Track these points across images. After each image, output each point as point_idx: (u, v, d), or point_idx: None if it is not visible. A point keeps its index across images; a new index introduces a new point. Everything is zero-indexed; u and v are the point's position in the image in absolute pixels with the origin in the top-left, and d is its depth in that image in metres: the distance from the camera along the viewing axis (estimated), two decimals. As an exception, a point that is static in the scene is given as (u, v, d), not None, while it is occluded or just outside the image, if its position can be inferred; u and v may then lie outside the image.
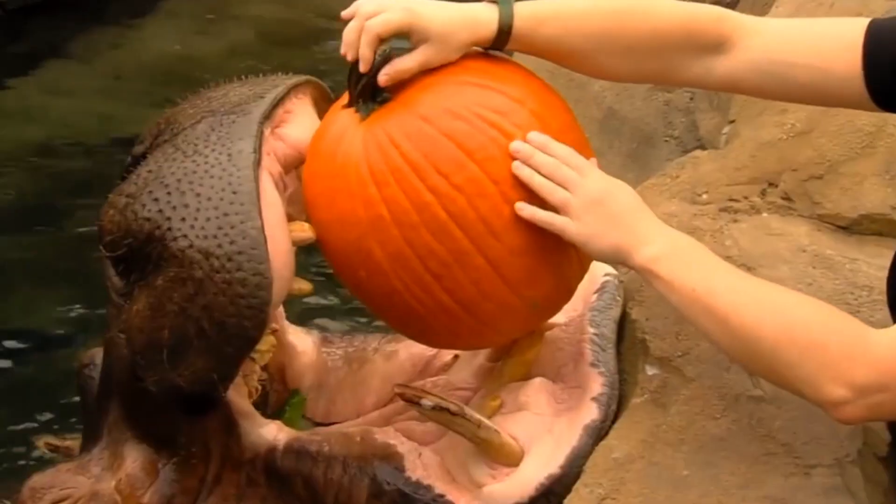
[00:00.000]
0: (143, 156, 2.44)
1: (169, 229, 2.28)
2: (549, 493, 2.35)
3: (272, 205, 2.34)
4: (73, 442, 2.88)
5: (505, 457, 2.41)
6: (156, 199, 2.32)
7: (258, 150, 2.33)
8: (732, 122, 3.02)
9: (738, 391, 2.34)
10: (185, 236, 2.27)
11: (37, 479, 2.53)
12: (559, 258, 2.35)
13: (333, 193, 2.32)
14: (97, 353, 2.70)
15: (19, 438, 3.98)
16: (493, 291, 2.30)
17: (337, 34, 2.36)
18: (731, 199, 2.74)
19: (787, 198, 2.75)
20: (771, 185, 2.76)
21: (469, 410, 2.39)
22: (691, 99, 3.45)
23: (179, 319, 2.28)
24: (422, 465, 2.48)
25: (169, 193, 2.31)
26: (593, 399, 2.43)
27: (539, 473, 2.37)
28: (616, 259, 2.28)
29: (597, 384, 2.44)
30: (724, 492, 2.22)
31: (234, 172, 2.29)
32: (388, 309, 2.38)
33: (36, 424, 4.22)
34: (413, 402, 2.39)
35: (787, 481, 2.22)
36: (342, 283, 2.44)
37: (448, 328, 2.36)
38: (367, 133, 2.30)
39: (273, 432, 2.54)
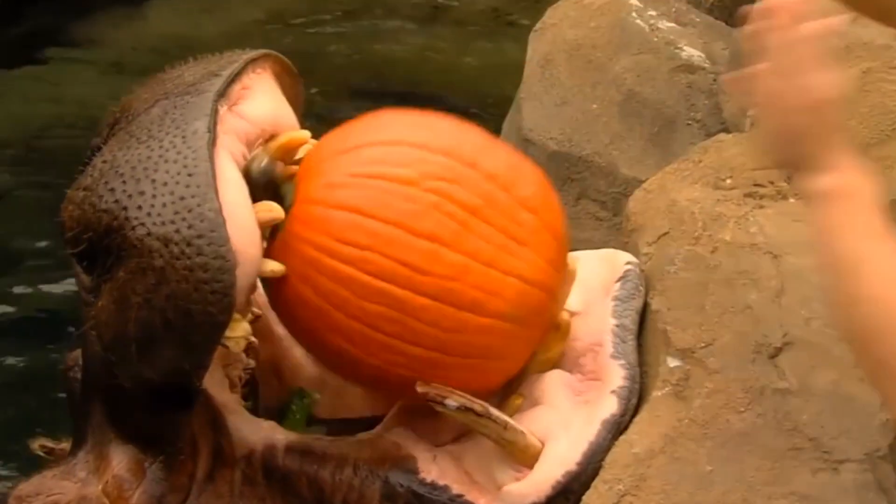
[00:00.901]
0: (100, 147, 2.38)
1: (126, 219, 2.22)
2: (566, 490, 2.30)
3: (232, 184, 2.26)
4: (67, 445, 2.83)
5: (530, 458, 2.36)
6: (111, 190, 2.26)
7: (212, 129, 2.26)
8: (757, 104, 2.93)
9: (764, 383, 2.28)
10: (142, 224, 2.22)
11: (22, 488, 2.46)
12: (507, 259, 2.33)
13: (287, 307, 2.40)
14: (81, 355, 2.65)
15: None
16: (455, 323, 2.30)
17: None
18: (757, 184, 2.67)
19: (814, 182, 2.66)
20: (798, 169, 2.68)
21: (495, 411, 2.34)
22: (715, 81, 3.37)
23: (144, 311, 2.22)
24: (437, 468, 2.42)
25: (124, 182, 2.25)
26: (613, 392, 2.37)
27: (556, 471, 2.31)
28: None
29: (617, 377, 2.38)
30: (749, 488, 2.17)
31: (189, 154, 2.23)
32: (390, 388, 2.42)
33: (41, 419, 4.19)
34: (437, 401, 2.33)
35: (814, 477, 2.17)
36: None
37: (448, 378, 2.34)
38: (281, 242, 2.36)
39: (268, 429, 2.48)
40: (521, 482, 2.35)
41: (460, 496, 2.38)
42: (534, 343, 2.44)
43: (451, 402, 2.33)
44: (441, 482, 2.39)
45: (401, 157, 2.36)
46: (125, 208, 2.23)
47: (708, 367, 2.33)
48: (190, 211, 2.20)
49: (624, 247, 2.75)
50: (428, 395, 2.33)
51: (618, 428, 2.33)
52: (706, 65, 3.46)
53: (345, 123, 2.48)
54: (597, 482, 2.26)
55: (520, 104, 3.52)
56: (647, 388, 2.40)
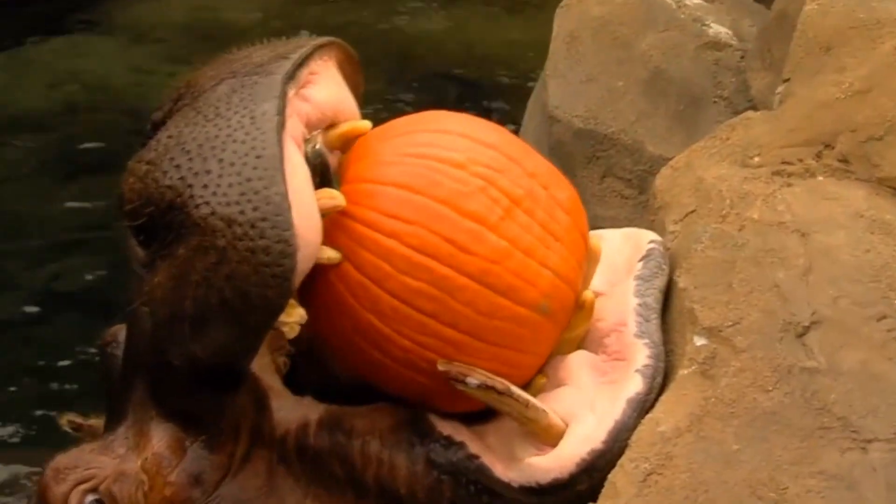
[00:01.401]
0: (163, 121, 2.37)
1: (191, 197, 2.22)
2: (591, 468, 2.29)
3: (298, 169, 2.27)
4: (96, 421, 2.83)
5: (553, 438, 2.36)
6: (177, 166, 2.26)
7: (282, 113, 2.26)
8: (787, 80, 2.91)
9: (791, 362, 2.26)
10: (206, 203, 2.21)
11: (60, 460, 2.48)
12: (544, 251, 2.35)
13: (321, 286, 2.37)
14: (120, 331, 2.64)
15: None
16: (491, 307, 2.31)
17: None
18: (785, 162, 2.64)
19: (844, 160, 2.64)
20: (827, 146, 2.66)
21: (516, 389, 2.34)
22: (742, 58, 3.35)
23: (202, 289, 2.22)
24: (452, 427, 2.42)
25: (190, 159, 2.25)
26: (637, 371, 2.35)
27: (581, 448, 2.30)
28: None
29: (642, 355, 2.37)
30: (777, 467, 2.15)
31: (258, 136, 2.23)
32: (412, 377, 2.37)
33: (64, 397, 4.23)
34: (458, 379, 2.33)
35: (843, 457, 2.15)
36: (366, 381, 2.45)
37: (474, 366, 2.33)
38: (325, 222, 2.34)
39: (305, 406, 2.48)
40: (544, 456, 2.34)
41: (476, 457, 2.38)
42: (553, 342, 2.44)
43: (473, 379, 2.32)
44: (457, 438, 2.39)
45: (450, 143, 2.39)
46: (190, 186, 2.23)
47: (735, 345, 2.31)
48: (256, 193, 2.20)
49: (650, 225, 2.74)
50: (450, 372, 2.33)
51: (643, 407, 2.32)
52: (733, 42, 3.44)
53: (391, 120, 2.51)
54: (622, 461, 2.25)
55: (545, 81, 3.50)
56: (674, 366, 2.38)
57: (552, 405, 2.38)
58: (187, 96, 2.35)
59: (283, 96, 2.27)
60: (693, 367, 2.33)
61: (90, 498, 2.41)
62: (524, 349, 2.40)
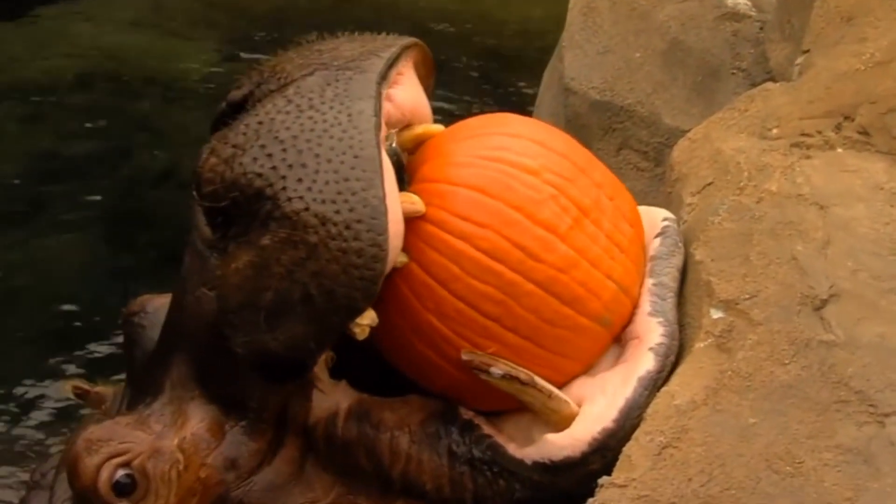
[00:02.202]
0: (242, 102, 2.34)
1: (283, 188, 2.20)
2: (603, 448, 2.29)
3: (389, 173, 2.25)
4: (102, 388, 2.83)
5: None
6: (269, 155, 2.23)
7: (378, 114, 2.24)
8: (806, 52, 2.88)
9: (809, 336, 2.25)
10: (300, 198, 2.19)
11: (93, 431, 2.46)
12: (609, 263, 2.36)
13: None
14: (148, 301, 2.65)
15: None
16: (555, 315, 2.31)
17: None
18: (804, 134, 2.62)
19: (863, 132, 2.62)
20: (847, 118, 2.63)
21: (540, 380, 2.34)
22: (761, 29, 3.31)
23: (285, 283, 2.20)
24: (472, 413, 2.41)
25: (284, 150, 2.22)
26: (651, 349, 2.35)
27: (593, 428, 2.30)
28: None
29: (655, 334, 2.36)
30: (793, 441, 2.14)
31: (356, 135, 2.21)
32: (462, 379, 2.36)
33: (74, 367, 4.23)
34: (482, 369, 2.33)
35: (860, 430, 2.14)
36: (416, 382, 2.45)
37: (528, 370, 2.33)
38: None
39: (336, 396, 2.47)
40: (558, 434, 2.34)
41: (489, 436, 2.38)
42: (604, 350, 2.43)
43: (497, 370, 2.32)
44: (475, 421, 2.40)
45: (523, 148, 2.38)
46: (283, 177, 2.20)
47: (752, 318, 2.29)
48: (353, 194, 2.18)
49: (667, 197, 2.72)
50: (473, 362, 2.33)
51: (655, 385, 2.31)
52: (752, 13, 3.40)
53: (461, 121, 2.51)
54: (638, 433, 2.24)
55: (561, 53, 3.47)
56: (690, 339, 2.37)
57: (566, 389, 2.37)
58: (272, 81, 2.31)
59: (378, 97, 2.26)
60: (709, 340, 2.31)
61: (122, 472, 2.41)
62: (579, 359, 2.40)
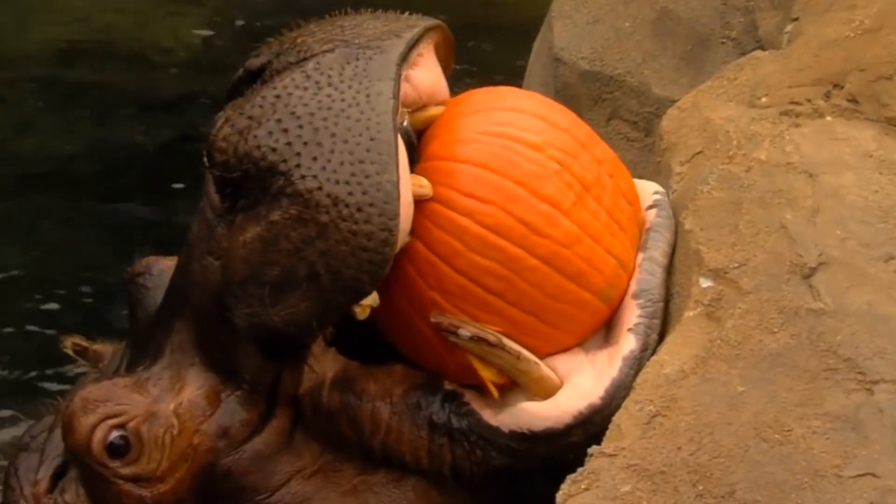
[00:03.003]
0: (259, 71, 2.32)
1: (297, 166, 2.19)
2: (587, 422, 2.31)
3: (402, 157, 2.24)
4: (101, 346, 2.84)
5: (544, 390, 2.37)
6: (285, 130, 2.22)
7: (397, 97, 2.23)
8: (795, 20, 2.87)
9: (798, 304, 2.25)
10: (314, 177, 2.19)
11: (91, 390, 2.47)
12: (610, 239, 2.36)
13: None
14: (154, 262, 2.65)
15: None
16: (558, 290, 2.32)
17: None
18: (793, 102, 2.61)
19: (853, 100, 2.61)
20: (836, 86, 2.63)
21: (508, 341, 2.35)
22: (751, -3, 3.29)
23: (292, 259, 2.21)
24: (455, 385, 2.42)
25: (300, 126, 2.21)
26: (629, 330, 2.36)
27: (579, 402, 2.32)
28: None
29: (633, 315, 2.37)
30: (782, 409, 2.15)
31: (373, 117, 2.21)
32: (462, 356, 2.35)
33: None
34: (450, 331, 2.33)
35: (848, 398, 2.14)
36: (417, 362, 2.45)
37: (530, 347, 2.35)
38: None
39: (324, 365, 2.47)
40: (540, 404, 2.35)
41: (467, 403, 2.39)
42: (602, 325, 2.43)
43: (465, 331, 2.32)
44: (457, 392, 2.40)
45: (527, 124, 2.38)
46: (298, 154, 2.20)
47: (741, 287, 2.29)
48: (367, 177, 2.18)
49: (656, 167, 2.71)
50: (441, 324, 2.33)
51: (639, 364, 2.33)
52: (741, -19, 3.38)
53: (462, 94, 2.49)
54: (627, 402, 2.24)
55: (550, 23, 3.46)
56: (679, 308, 2.37)
57: (551, 359, 2.38)
58: (291, 54, 2.30)
59: (397, 79, 2.24)
60: (699, 309, 2.31)
61: (116, 434, 2.42)
62: (579, 333, 2.40)
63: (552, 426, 2.32)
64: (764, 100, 2.65)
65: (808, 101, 2.62)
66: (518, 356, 2.34)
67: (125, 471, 2.42)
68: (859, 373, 2.16)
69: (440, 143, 2.38)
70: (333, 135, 2.19)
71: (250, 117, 2.25)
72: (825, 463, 2.09)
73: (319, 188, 2.18)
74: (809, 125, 2.56)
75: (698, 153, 2.55)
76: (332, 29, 2.33)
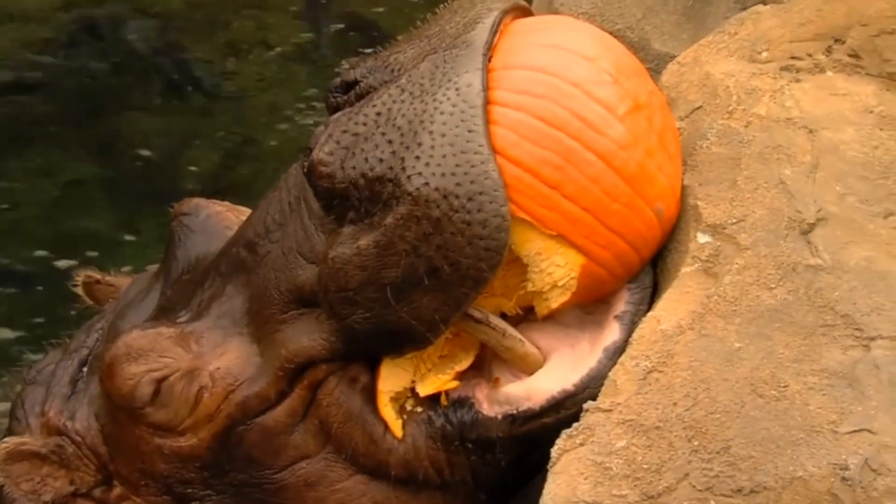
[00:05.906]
0: (354, 83, 2.37)
1: (402, 168, 2.22)
2: (559, 406, 2.32)
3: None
4: (114, 278, 2.84)
5: (529, 365, 2.38)
6: (389, 141, 2.25)
7: (485, 87, 2.25)
8: (797, -27, 2.83)
9: (796, 260, 2.24)
10: (419, 174, 2.21)
11: (136, 338, 2.50)
12: (664, 160, 2.33)
13: None
14: (203, 206, 2.70)
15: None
16: (615, 188, 2.27)
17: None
18: (794, 57, 2.58)
19: (854, 55, 2.58)
20: (837, 41, 2.60)
21: (494, 318, 2.35)
22: (753, -49, 3.25)
23: (410, 258, 2.23)
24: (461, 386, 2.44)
25: (402, 135, 2.24)
26: (616, 318, 2.36)
27: (554, 386, 2.33)
28: None
29: (621, 301, 2.37)
30: (779, 365, 2.14)
31: (466, 109, 2.23)
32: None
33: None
34: None
35: (845, 354, 2.13)
36: None
37: (588, 253, 2.30)
38: None
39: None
40: (519, 384, 2.36)
41: (472, 405, 2.40)
42: (657, 246, 2.40)
43: None
44: (464, 396, 2.41)
45: (583, 41, 2.37)
46: (402, 158, 2.22)
47: (739, 242, 2.28)
48: (473, 166, 2.19)
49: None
50: None
51: (621, 353, 2.30)
52: (744, -65, 3.34)
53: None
54: (623, 359, 2.24)
55: (550, -23, 3.42)
56: (676, 264, 2.36)
57: (535, 337, 2.38)
58: (385, 72, 2.35)
59: (484, 68, 2.26)
60: (696, 265, 2.30)
61: (151, 388, 2.46)
62: (637, 245, 2.35)
63: (530, 407, 2.34)
64: (765, 55, 2.62)
65: (809, 55, 2.59)
66: (503, 332, 2.35)
67: (153, 418, 2.48)
68: (856, 329, 2.15)
69: (495, 59, 2.35)
70: (431, 132, 2.22)
71: (355, 134, 2.30)
72: (821, 419, 2.08)
73: (426, 183, 2.21)
74: (810, 80, 2.53)
75: (698, 108, 2.53)
76: (418, 41, 2.38)
